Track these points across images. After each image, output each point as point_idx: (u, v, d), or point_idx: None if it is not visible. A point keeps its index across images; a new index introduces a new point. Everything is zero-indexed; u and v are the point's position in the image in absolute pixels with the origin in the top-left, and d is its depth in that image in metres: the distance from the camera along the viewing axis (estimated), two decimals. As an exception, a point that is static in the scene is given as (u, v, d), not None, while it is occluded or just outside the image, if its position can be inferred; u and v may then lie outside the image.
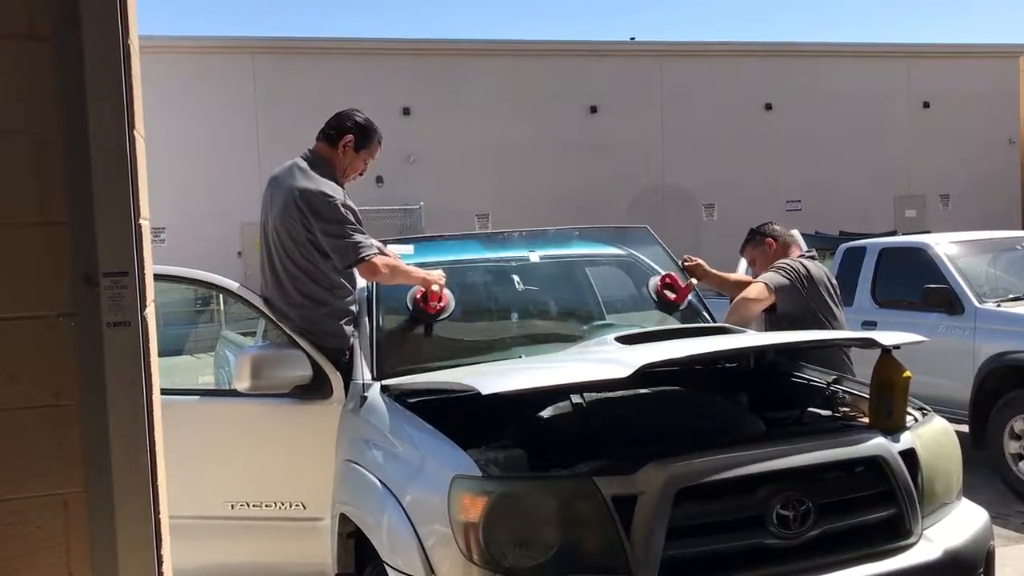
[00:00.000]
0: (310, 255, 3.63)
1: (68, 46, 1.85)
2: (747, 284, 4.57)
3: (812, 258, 4.43)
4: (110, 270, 1.88)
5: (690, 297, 4.26)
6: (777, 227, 4.58)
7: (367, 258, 3.58)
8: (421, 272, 3.71)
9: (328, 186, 3.64)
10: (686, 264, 4.41)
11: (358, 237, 3.59)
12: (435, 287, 3.68)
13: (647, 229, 4.73)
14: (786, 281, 4.12)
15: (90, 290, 1.87)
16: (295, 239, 3.63)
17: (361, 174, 3.93)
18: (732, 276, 4.80)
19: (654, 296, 4.23)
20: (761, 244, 4.48)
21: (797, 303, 4.10)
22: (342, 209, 3.60)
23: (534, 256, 4.26)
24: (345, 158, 3.78)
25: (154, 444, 1.99)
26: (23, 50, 1.84)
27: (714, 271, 4.55)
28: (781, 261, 4.29)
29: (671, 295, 4.19)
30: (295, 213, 3.60)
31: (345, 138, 3.77)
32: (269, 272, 3.76)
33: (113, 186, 1.89)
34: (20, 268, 1.85)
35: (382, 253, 3.72)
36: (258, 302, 3.79)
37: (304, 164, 3.72)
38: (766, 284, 4.12)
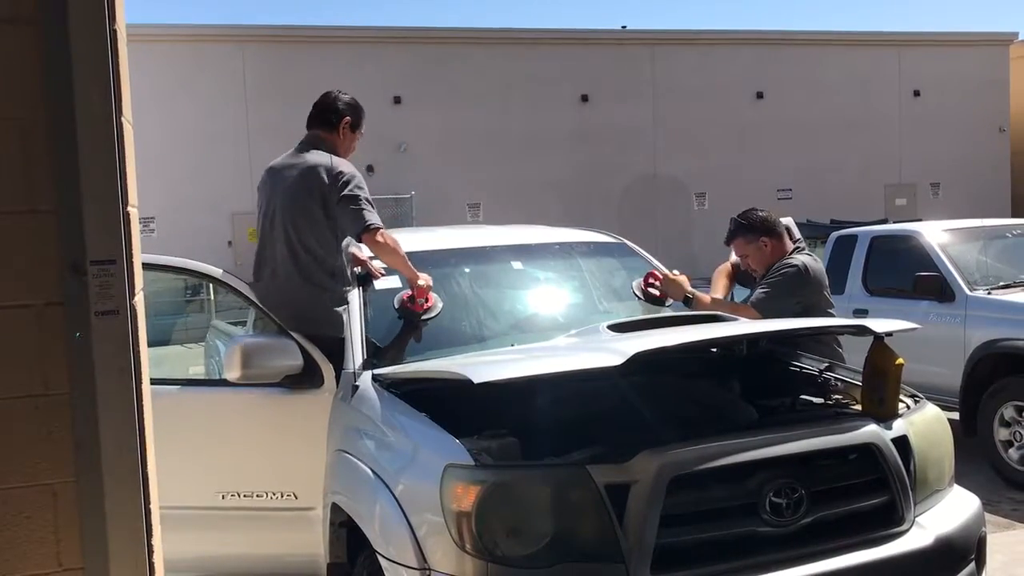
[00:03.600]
0: (321, 235, 3.68)
1: (53, 30, 1.82)
2: (734, 270, 4.55)
3: (803, 249, 4.30)
4: (98, 258, 1.86)
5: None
6: (763, 215, 4.29)
7: (372, 226, 3.64)
8: (413, 269, 3.72)
9: (345, 163, 3.78)
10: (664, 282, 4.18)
11: (369, 209, 3.70)
12: (421, 282, 3.68)
13: (625, 244, 4.66)
14: (776, 295, 4.01)
15: (78, 279, 1.85)
16: (309, 216, 3.67)
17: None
18: (717, 291, 4.46)
19: (639, 295, 4.21)
20: (755, 242, 4.24)
21: (789, 308, 4.02)
22: (359, 179, 3.74)
23: (517, 264, 4.24)
24: (345, 139, 3.91)
25: (144, 433, 1.98)
26: (7, 35, 1.81)
27: (699, 295, 4.21)
28: (778, 270, 4.09)
29: (656, 292, 4.18)
30: (315, 188, 3.67)
31: (343, 120, 3.88)
32: (270, 259, 3.77)
33: (100, 173, 1.87)
34: (7, 257, 1.83)
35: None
36: (246, 290, 3.77)
37: (310, 148, 3.83)
38: (750, 305, 4.01)
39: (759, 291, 4.10)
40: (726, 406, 3.32)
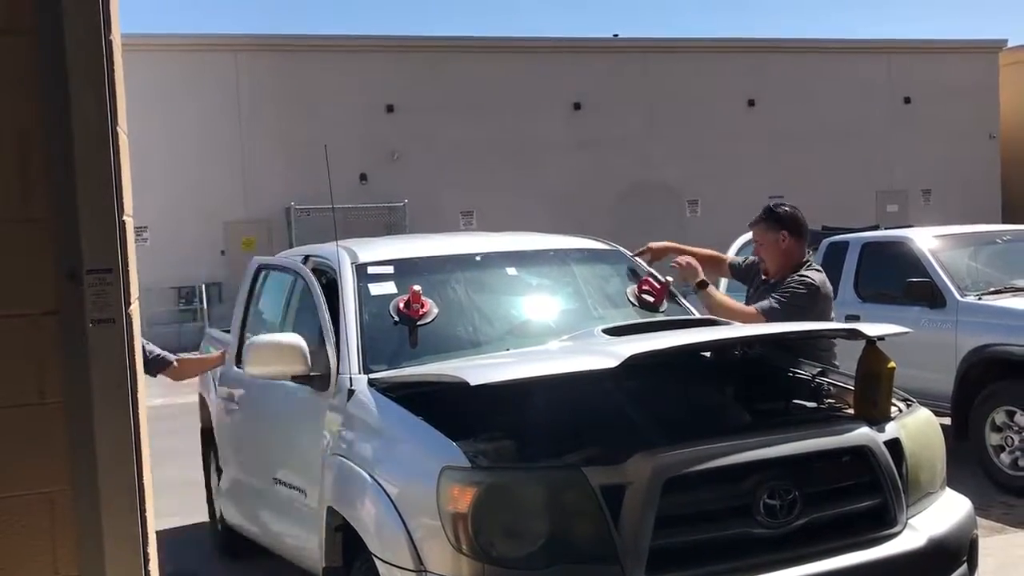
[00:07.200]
0: None
1: (49, 41, 1.84)
2: (716, 259, 4.59)
3: (812, 264, 4.27)
4: (94, 267, 1.87)
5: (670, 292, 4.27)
6: (793, 210, 4.27)
7: None
8: None
9: None
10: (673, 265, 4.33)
11: None
12: (417, 287, 3.70)
13: (619, 250, 4.66)
14: (789, 312, 3.95)
15: (74, 287, 1.86)
16: None
17: None
18: (701, 251, 4.59)
19: (633, 301, 4.22)
20: (775, 233, 4.19)
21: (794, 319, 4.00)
22: None
23: (512, 271, 4.24)
24: None
25: (140, 441, 1.98)
26: (3, 45, 1.82)
27: (678, 246, 4.52)
28: (794, 286, 4.04)
29: (650, 299, 4.19)
30: None
31: None
32: None
33: (96, 182, 1.88)
34: (3, 266, 1.83)
35: None
36: None
37: None
38: (759, 312, 3.98)
39: (772, 301, 4.02)
40: (720, 409, 3.33)
